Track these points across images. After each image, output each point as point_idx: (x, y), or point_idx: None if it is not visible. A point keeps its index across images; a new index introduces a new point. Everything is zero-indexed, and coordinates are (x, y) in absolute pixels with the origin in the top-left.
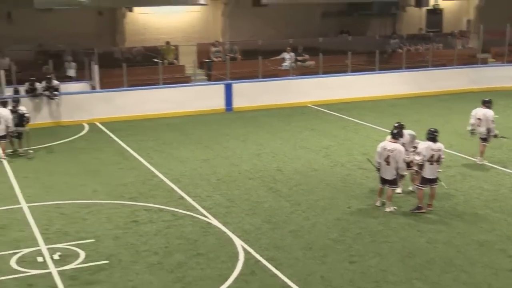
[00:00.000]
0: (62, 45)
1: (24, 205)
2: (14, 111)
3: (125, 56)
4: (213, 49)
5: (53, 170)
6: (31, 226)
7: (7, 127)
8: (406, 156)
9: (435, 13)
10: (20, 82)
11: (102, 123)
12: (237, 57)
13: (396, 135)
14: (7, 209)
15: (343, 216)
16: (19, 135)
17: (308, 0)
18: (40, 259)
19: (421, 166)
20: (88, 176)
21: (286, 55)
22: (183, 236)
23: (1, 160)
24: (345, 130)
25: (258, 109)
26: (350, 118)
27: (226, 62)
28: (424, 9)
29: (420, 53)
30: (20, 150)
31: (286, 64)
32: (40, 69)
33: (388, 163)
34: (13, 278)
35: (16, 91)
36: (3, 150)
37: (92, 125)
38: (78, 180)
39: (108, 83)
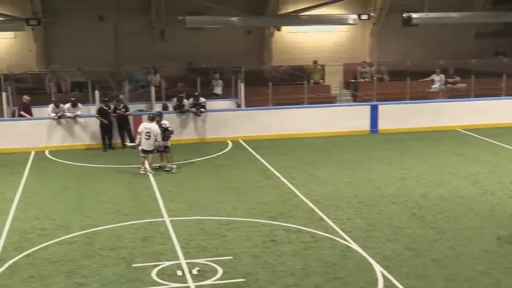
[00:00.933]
0: (210, 63)
1: (166, 218)
2: (157, 126)
3: (271, 75)
4: (361, 69)
5: (196, 185)
6: (172, 239)
7: (156, 141)
8: None
9: None
10: (168, 98)
11: (245, 141)
12: (384, 78)
13: None
14: (151, 221)
15: (491, 248)
16: (165, 149)
17: (461, 20)
18: (179, 272)
19: None
20: (229, 193)
21: (435, 77)
22: (321, 259)
23: (148, 173)
24: (496, 157)
25: (404, 131)
26: (502, 144)
27: (373, 82)
28: None
29: None
30: (165, 164)
31: (436, 86)
32: (189, 86)
33: None
34: None
35: (165, 107)
36: (150, 164)
37: (235, 142)
38: (219, 196)
39: (253, 101)
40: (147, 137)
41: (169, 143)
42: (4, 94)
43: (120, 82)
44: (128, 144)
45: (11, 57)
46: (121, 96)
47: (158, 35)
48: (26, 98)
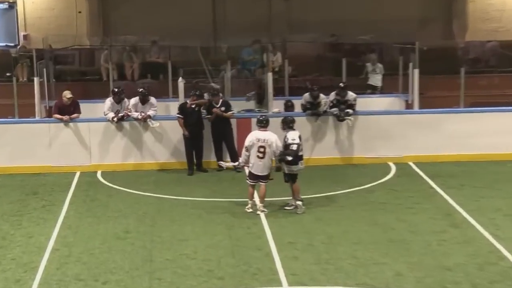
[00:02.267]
0: (363, 36)
1: (286, 287)
2: (276, 137)
3: (466, 57)
4: None
5: (335, 235)
6: None
7: (276, 162)
8: None
9: None
10: (295, 92)
11: (418, 164)
12: None
13: None
14: None
15: None
16: (290, 177)
17: None
18: None
19: None
20: (390, 250)
21: None
22: None
23: (259, 212)
24: None
25: None
26: None
27: None
28: None
29: None
30: (290, 200)
31: None
32: (328, 72)
33: None
34: None
35: (289, 106)
36: (262, 198)
37: (402, 165)
38: (373, 254)
39: (433, 98)
40: (260, 155)
41: (299, 167)
42: (36, 80)
43: (218, 65)
44: (228, 164)
45: (49, 24)
46: (217, 87)
47: None
48: (66, 96)
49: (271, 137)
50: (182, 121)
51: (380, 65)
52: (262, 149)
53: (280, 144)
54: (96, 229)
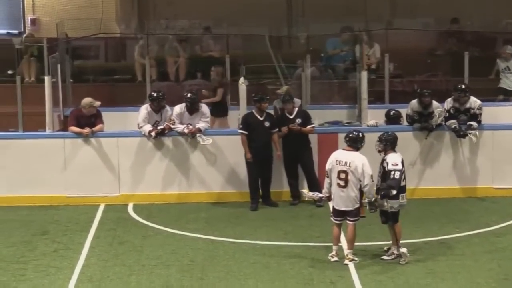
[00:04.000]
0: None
1: None
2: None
3: None
4: None
5: None
6: None
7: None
8: None
9: None
10: (398, 97)
11: None
12: None
13: None
14: None
15: None
16: (386, 216)
17: None
18: None
19: None
20: None
21: None
22: None
23: (347, 262)
24: None
25: None
26: None
27: None
28: None
29: None
30: (389, 247)
31: None
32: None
33: None
34: None
35: (394, 117)
36: (352, 241)
37: None
38: None
39: None
40: (341, 183)
41: (401, 202)
42: (47, 80)
43: (294, 61)
44: (307, 193)
45: (65, 4)
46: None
47: None
48: (87, 105)
49: (357, 160)
50: (245, 138)
51: None
52: (343, 175)
53: (369, 170)
54: (127, 282)
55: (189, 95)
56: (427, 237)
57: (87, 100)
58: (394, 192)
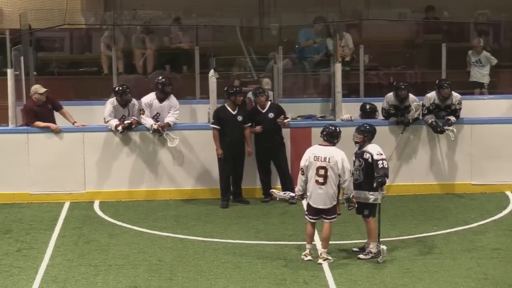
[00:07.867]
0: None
1: None
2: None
3: None
4: None
5: None
6: None
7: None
8: None
9: None
10: (373, 91)
11: None
12: None
13: None
14: None
15: None
16: (362, 210)
17: None
18: None
19: None
20: None
21: None
22: None
23: (321, 261)
24: None
25: None
26: None
27: None
28: None
29: None
30: (367, 243)
31: None
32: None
33: None
34: None
35: (370, 111)
36: (326, 240)
37: None
38: None
39: None
40: (319, 179)
41: (378, 198)
42: (9, 72)
43: (266, 52)
44: (278, 193)
45: None
46: (266, 83)
47: None
48: (38, 91)
49: (336, 155)
50: (217, 133)
51: (486, 54)
52: (322, 171)
53: (348, 165)
54: (93, 283)
55: (161, 79)
56: (403, 235)
57: (36, 86)
58: (386, 180)
